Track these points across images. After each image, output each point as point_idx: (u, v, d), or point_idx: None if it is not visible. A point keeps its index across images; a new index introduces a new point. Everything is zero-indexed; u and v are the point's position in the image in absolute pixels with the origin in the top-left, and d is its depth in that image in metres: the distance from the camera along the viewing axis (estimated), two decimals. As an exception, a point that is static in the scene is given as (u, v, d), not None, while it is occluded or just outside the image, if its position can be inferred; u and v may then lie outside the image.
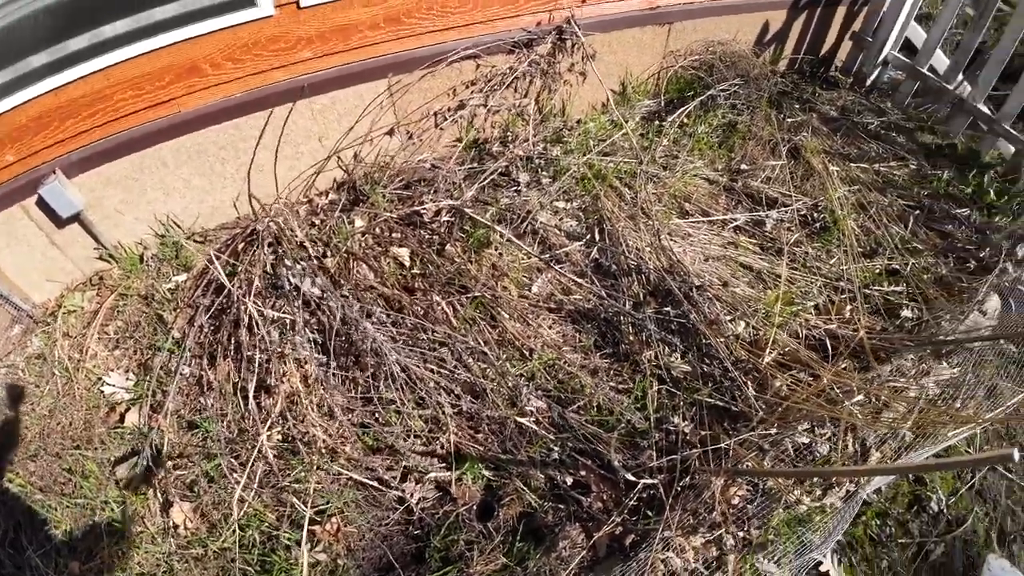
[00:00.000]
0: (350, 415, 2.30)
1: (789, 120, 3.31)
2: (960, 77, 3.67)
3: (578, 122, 3.27)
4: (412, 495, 2.11)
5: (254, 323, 2.44)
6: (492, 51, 2.91)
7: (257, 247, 2.67)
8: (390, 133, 2.97)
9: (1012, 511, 2.47)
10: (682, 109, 3.19)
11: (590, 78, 3.18)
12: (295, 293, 2.51)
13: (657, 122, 3.27)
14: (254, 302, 2.51)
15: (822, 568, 2.06)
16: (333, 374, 2.41)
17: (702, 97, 3.24)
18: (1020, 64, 3.46)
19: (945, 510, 2.35)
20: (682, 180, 2.87)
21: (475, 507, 2.06)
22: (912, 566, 2.19)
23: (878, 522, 2.22)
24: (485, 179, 2.68)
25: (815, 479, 1.98)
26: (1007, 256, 2.91)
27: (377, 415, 2.26)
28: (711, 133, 3.21)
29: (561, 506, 2.00)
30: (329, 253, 2.68)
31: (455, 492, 2.07)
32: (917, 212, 2.98)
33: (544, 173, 2.85)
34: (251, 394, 2.26)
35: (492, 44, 2.89)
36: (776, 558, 1.87)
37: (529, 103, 3.05)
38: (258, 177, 2.80)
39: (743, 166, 3.03)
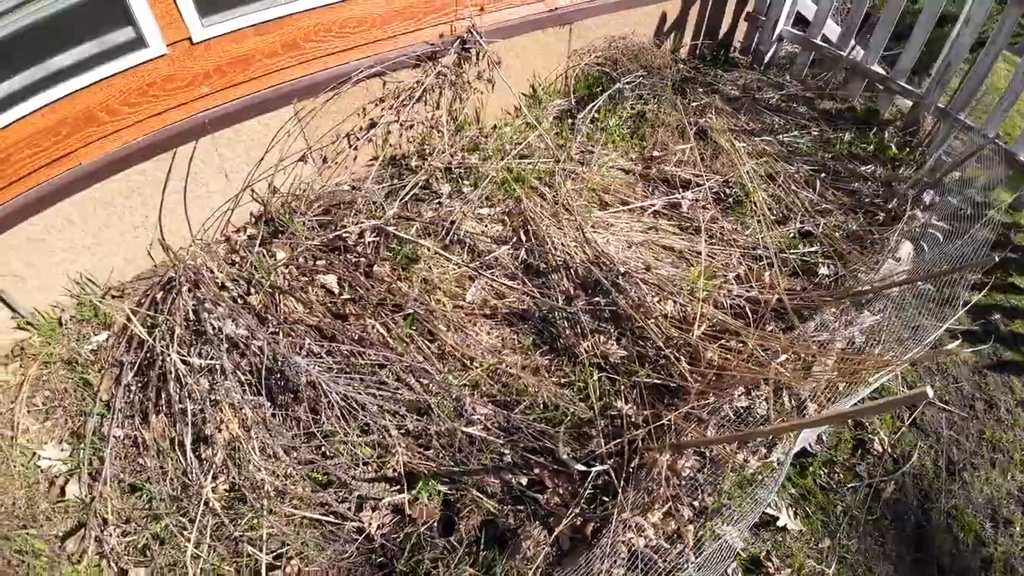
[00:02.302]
0: (295, 453, 2.28)
1: (694, 104, 3.54)
2: (852, 43, 4.02)
3: (493, 128, 3.37)
4: (370, 523, 2.11)
5: (180, 374, 2.40)
6: (397, 67, 2.97)
7: (175, 294, 2.63)
8: (303, 159, 2.97)
9: (956, 441, 2.71)
10: (592, 105, 3.35)
11: (499, 84, 3.30)
12: (220, 337, 2.48)
13: (570, 120, 3.42)
14: (178, 352, 2.48)
15: (779, 523, 2.21)
16: (273, 414, 2.40)
17: (610, 91, 3.41)
18: (910, 22, 3.81)
19: (889, 449, 2.55)
20: (599, 173, 3.01)
21: (436, 524, 2.09)
22: (866, 507, 2.37)
23: (826, 471, 2.40)
24: (406, 195, 2.73)
25: (759, 439, 2.12)
26: (914, 204, 3.21)
27: (323, 449, 2.26)
28: (622, 125, 3.39)
29: (520, 507, 2.05)
30: (252, 290, 2.66)
31: (413, 513, 2.08)
32: (823, 175, 3.25)
33: (465, 182, 2.93)
34: (188, 448, 2.23)
35: (396, 60, 2.95)
36: (733, 520, 1.99)
37: (442, 114, 3.13)
38: (170, 221, 2.76)
39: (655, 153, 3.21)
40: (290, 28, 2.70)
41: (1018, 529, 2.53)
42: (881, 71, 3.97)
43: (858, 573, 2.23)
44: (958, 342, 2.68)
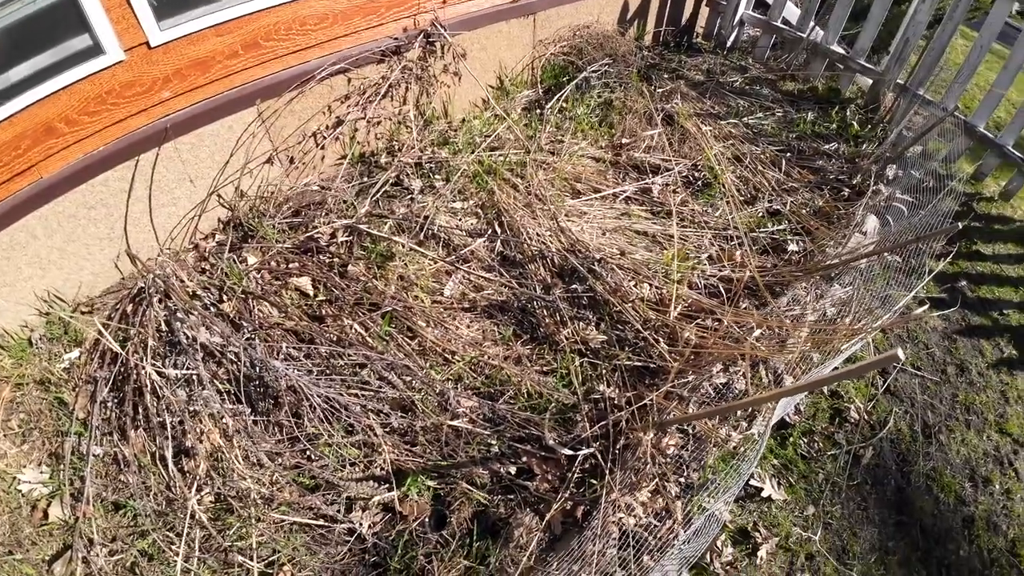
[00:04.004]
0: (279, 459, 2.30)
1: (660, 90, 3.63)
2: (812, 24, 4.17)
3: (463, 121, 3.41)
4: (361, 524, 2.14)
5: (156, 387, 2.39)
6: (361, 63, 2.99)
7: (146, 306, 2.62)
8: (269, 161, 2.97)
9: (930, 405, 2.85)
10: (560, 94, 3.41)
11: (466, 76, 3.34)
12: (195, 346, 2.48)
13: (538, 110, 3.48)
14: (152, 364, 2.47)
15: (764, 494, 2.31)
16: (255, 421, 2.40)
17: (576, 80, 3.48)
18: (867, 2, 3.96)
19: (866, 416, 2.68)
20: (570, 162, 3.08)
21: (427, 519, 2.13)
22: (847, 473, 2.49)
23: (805, 440, 2.50)
24: (377, 192, 2.75)
25: (739, 413, 2.21)
26: (877, 178, 3.36)
27: (308, 453, 2.28)
28: (590, 113, 3.46)
29: (511, 496, 2.10)
30: (225, 297, 2.65)
31: (403, 510, 2.12)
32: (789, 155, 3.37)
33: (436, 177, 2.96)
34: (170, 461, 2.23)
35: (360, 56, 2.97)
36: (718, 493, 2.07)
37: (409, 109, 3.15)
38: (137, 232, 2.74)
39: (624, 140, 3.29)
40: (250, 27, 2.70)
41: (997, 487, 2.68)
42: (841, 51, 4.13)
43: (843, 538, 2.34)
44: (925, 307, 2.81)
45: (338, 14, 2.92)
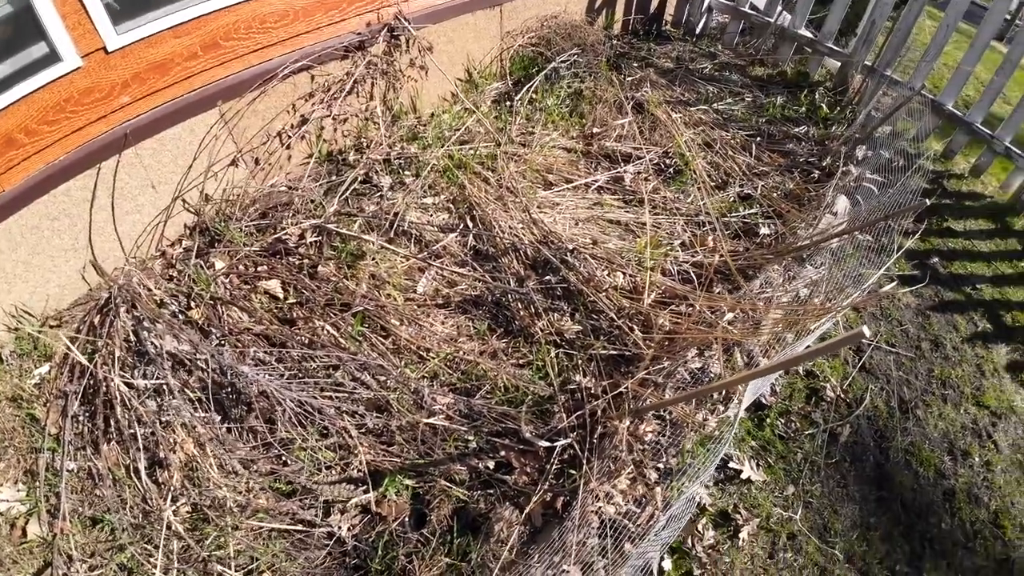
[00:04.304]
0: (254, 466, 2.28)
1: (630, 79, 3.65)
2: (779, 8, 4.21)
3: (432, 116, 3.39)
4: (340, 527, 2.12)
5: (125, 399, 2.36)
6: (324, 59, 2.95)
7: (112, 316, 2.58)
8: (234, 163, 2.93)
9: (906, 381, 2.89)
10: (529, 86, 3.41)
11: (433, 70, 3.32)
12: (163, 355, 2.45)
13: (508, 103, 3.47)
14: (120, 376, 2.45)
15: (743, 476, 2.33)
16: (228, 429, 2.38)
17: (545, 71, 3.48)
18: None
19: (842, 395, 2.71)
20: (541, 154, 3.08)
21: (407, 519, 2.11)
22: (825, 452, 2.52)
23: (783, 421, 2.53)
24: (345, 190, 2.73)
25: (715, 396, 2.22)
26: (847, 160, 3.40)
27: (284, 458, 2.25)
28: (560, 104, 3.47)
29: (490, 491, 2.10)
30: (193, 304, 2.62)
31: (382, 510, 2.11)
32: (759, 139, 3.40)
33: (406, 173, 2.94)
34: (143, 473, 2.21)
35: (323, 52, 2.94)
36: (695, 475, 2.08)
37: (376, 105, 3.13)
38: (102, 241, 2.69)
39: (595, 129, 3.30)
40: (209, 27, 2.66)
41: (977, 460, 2.73)
42: (809, 34, 4.17)
43: (824, 516, 2.37)
44: (893, 284, 2.85)
45: (299, 10, 2.88)
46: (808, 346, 2.27)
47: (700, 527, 2.16)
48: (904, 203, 2.74)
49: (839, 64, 4.12)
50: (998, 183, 4.11)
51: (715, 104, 3.64)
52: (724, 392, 2.18)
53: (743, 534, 2.19)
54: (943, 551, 2.43)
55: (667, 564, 2.07)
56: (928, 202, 2.44)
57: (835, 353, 2.79)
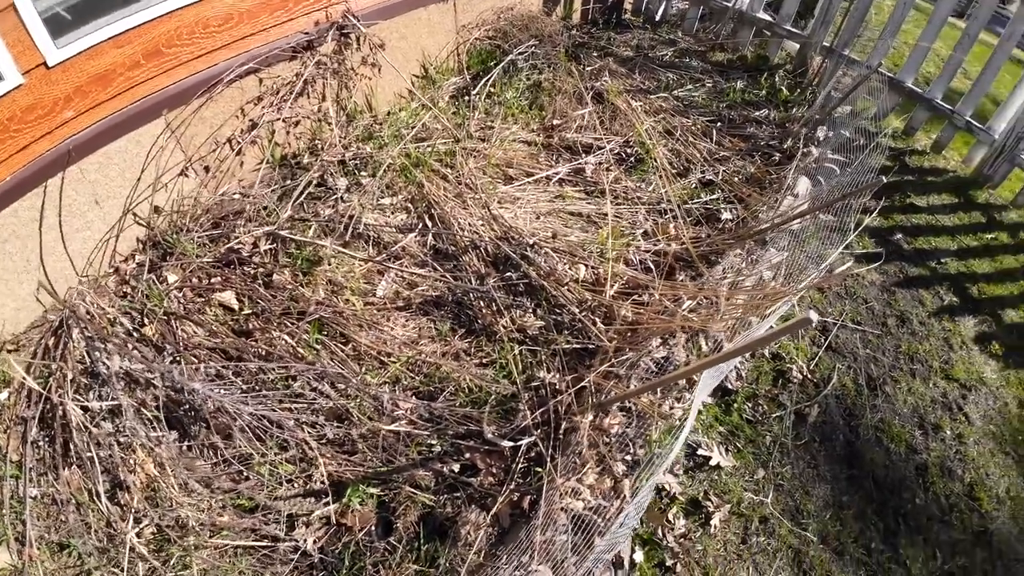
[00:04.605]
0: (215, 483, 2.24)
1: (589, 69, 3.64)
2: (738, -9, 4.22)
3: (388, 114, 3.34)
4: (305, 540, 2.09)
5: (82, 422, 2.32)
6: (272, 61, 2.90)
7: (65, 338, 2.52)
8: (183, 173, 2.86)
9: (873, 358, 2.91)
10: (486, 79, 3.37)
11: (387, 67, 3.27)
12: (116, 375, 2.40)
13: (467, 97, 3.44)
14: (75, 398, 2.40)
15: (712, 462, 2.33)
16: (188, 447, 2.34)
17: (503, 64, 3.45)
18: None
19: (809, 375, 2.72)
20: (501, 148, 3.05)
21: (374, 528, 2.08)
22: (793, 433, 2.53)
23: (750, 405, 2.54)
24: (299, 195, 2.68)
25: (682, 383, 2.22)
26: (807, 141, 3.42)
27: (246, 474, 2.22)
28: (519, 97, 3.44)
29: (457, 494, 2.08)
30: (146, 320, 2.56)
31: (347, 521, 2.08)
32: (719, 124, 3.41)
33: (363, 173, 2.90)
34: (103, 497, 2.18)
35: (270, 54, 2.88)
36: (658, 466, 2.08)
37: (329, 106, 3.07)
38: (53, 261, 2.63)
39: (555, 121, 3.28)
40: (150, 35, 2.60)
41: (949, 433, 2.75)
42: (767, 17, 4.19)
43: (796, 498, 2.38)
44: (847, 265, 2.87)
45: (243, 12, 2.82)
46: (770, 327, 2.27)
47: (671, 516, 2.16)
48: (863, 181, 2.76)
49: (798, 46, 4.14)
50: (960, 157, 4.18)
51: (675, 91, 3.64)
52: (688, 380, 2.17)
53: (715, 521, 2.19)
54: (918, 526, 2.45)
55: (639, 556, 2.06)
56: (884, 180, 2.46)
57: (800, 335, 2.81)
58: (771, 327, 2.28)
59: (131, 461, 2.29)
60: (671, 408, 2.19)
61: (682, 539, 2.14)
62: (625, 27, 4.42)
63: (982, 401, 2.92)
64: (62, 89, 2.40)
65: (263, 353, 2.30)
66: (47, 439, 2.38)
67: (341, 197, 2.75)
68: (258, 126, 2.89)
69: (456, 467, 2.09)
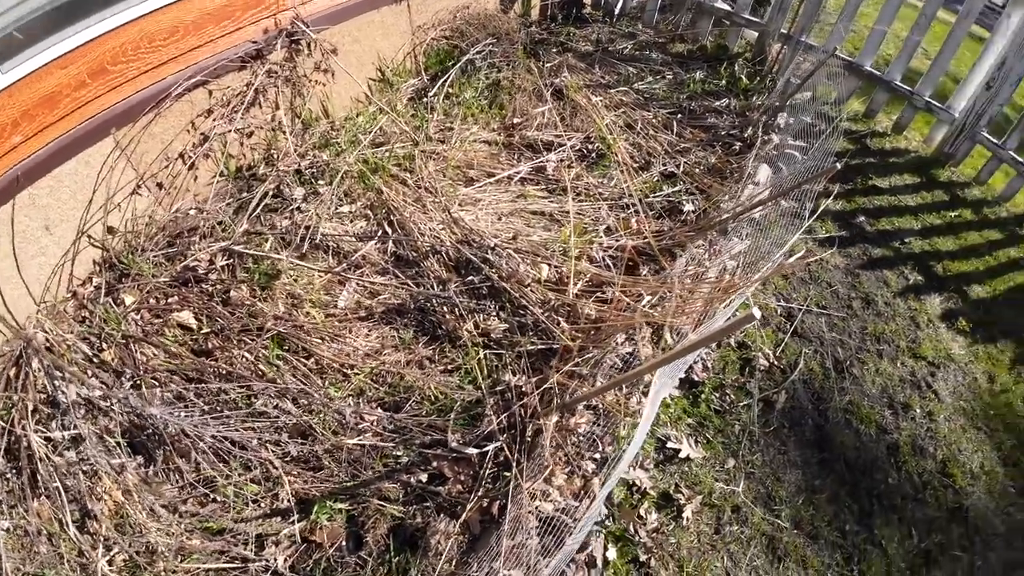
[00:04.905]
0: (183, 507, 2.21)
1: (548, 65, 3.63)
2: (695, -18, 4.23)
3: (346, 119, 3.31)
4: (275, 559, 2.07)
5: (45, 453, 2.29)
6: (220, 73, 2.85)
7: (25, 368, 2.47)
8: (136, 191, 2.81)
9: (839, 341, 2.94)
10: (444, 80, 3.35)
11: (343, 72, 3.24)
12: (76, 403, 2.37)
13: (425, 98, 3.41)
14: (36, 429, 2.36)
15: (682, 454, 2.34)
16: (154, 472, 2.31)
17: (460, 63, 3.43)
18: None
19: (775, 362, 2.75)
20: (461, 149, 3.03)
21: (344, 543, 2.07)
22: (762, 421, 2.55)
23: (717, 395, 2.56)
24: (255, 207, 2.64)
25: (645, 379, 2.22)
26: (768, 128, 3.45)
27: (213, 496, 2.19)
28: (479, 96, 3.42)
29: (426, 504, 2.07)
30: (105, 345, 2.52)
31: (317, 538, 2.06)
32: (680, 116, 3.43)
33: (320, 182, 2.86)
34: (72, 527, 2.15)
35: (218, 66, 2.83)
36: (631, 462, 2.09)
37: (282, 114, 3.03)
38: (10, 289, 2.56)
39: (516, 120, 3.27)
40: (95, 53, 2.54)
41: (918, 411, 2.79)
42: (725, 6, 4.22)
43: (767, 485, 2.40)
44: (801, 254, 2.90)
45: (189, 24, 2.77)
46: (732, 315, 2.29)
47: (642, 512, 2.17)
48: (823, 166, 2.79)
49: (756, 34, 4.17)
50: (921, 137, 4.24)
51: (636, 84, 3.65)
52: (653, 375, 2.18)
53: (687, 513, 2.20)
54: (892, 506, 2.49)
55: (612, 553, 2.07)
56: (839, 166, 2.48)
57: (765, 322, 2.84)
58: (733, 314, 2.30)
59: (98, 489, 2.27)
60: (638, 403, 2.20)
61: (655, 533, 2.15)
62: (584, 22, 4.42)
63: (951, 377, 2.96)
64: (9, 114, 2.35)
65: (224, 372, 2.27)
66: (14, 471, 2.34)
67: (298, 207, 2.71)
68: (210, 139, 2.85)
69: (424, 477, 2.08)
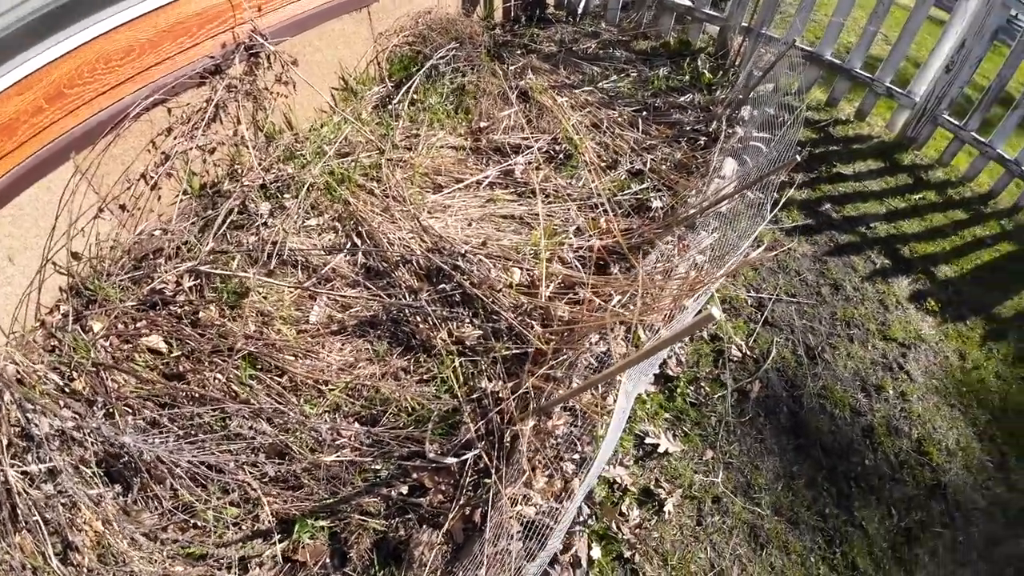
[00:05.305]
0: (163, 535, 2.19)
1: (512, 67, 3.64)
2: (656, -21, 4.27)
3: (310, 130, 3.28)
4: (259, 582, 2.06)
5: (21, 487, 2.25)
6: (179, 90, 2.81)
7: (-2, 402, 2.43)
8: (99, 214, 2.76)
9: (810, 328, 3.00)
10: (408, 86, 3.34)
11: (303, 84, 3.21)
12: (49, 435, 2.34)
13: (390, 106, 3.40)
14: (13, 464, 2.33)
15: (661, 449, 2.37)
16: (133, 500, 2.28)
17: (424, 69, 3.42)
18: None
19: (748, 352, 2.79)
20: (428, 156, 3.03)
21: (328, 560, 2.06)
22: (738, 411, 2.59)
23: (692, 388, 2.59)
24: (221, 225, 2.61)
25: (618, 378, 2.25)
26: (732, 121, 3.50)
27: (193, 522, 2.18)
28: (444, 101, 3.42)
29: (408, 516, 2.07)
30: (75, 374, 2.48)
31: (300, 557, 2.05)
32: (645, 113, 3.46)
33: (285, 196, 2.84)
34: (53, 560, 2.11)
35: (176, 83, 2.79)
36: (618, 459, 2.11)
37: (244, 128, 3.00)
38: (-23, 322, 2.51)
39: (482, 124, 3.28)
40: (51, 78, 2.50)
41: (891, 392, 2.86)
42: (687, 2, 4.26)
43: (746, 474, 2.45)
44: (761, 249, 2.96)
45: (145, 43, 2.73)
46: (700, 311, 2.32)
47: (624, 508, 2.19)
48: (785, 157, 2.84)
49: (718, 28, 4.23)
50: (884, 123, 4.34)
51: (600, 83, 3.68)
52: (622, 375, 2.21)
53: (668, 507, 2.24)
54: (871, 487, 2.54)
55: (596, 552, 2.09)
56: (799, 158, 2.53)
57: (736, 313, 2.88)
58: (704, 307, 2.33)
59: (78, 520, 2.25)
60: (615, 402, 2.22)
61: (638, 529, 2.17)
62: (548, 22, 4.44)
63: (922, 357, 3.04)
64: (-30, 146, 2.31)
65: (196, 396, 2.25)
66: (-8, 508, 2.31)
67: (264, 223, 2.69)
68: (171, 158, 2.81)
69: (404, 489, 2.08)
